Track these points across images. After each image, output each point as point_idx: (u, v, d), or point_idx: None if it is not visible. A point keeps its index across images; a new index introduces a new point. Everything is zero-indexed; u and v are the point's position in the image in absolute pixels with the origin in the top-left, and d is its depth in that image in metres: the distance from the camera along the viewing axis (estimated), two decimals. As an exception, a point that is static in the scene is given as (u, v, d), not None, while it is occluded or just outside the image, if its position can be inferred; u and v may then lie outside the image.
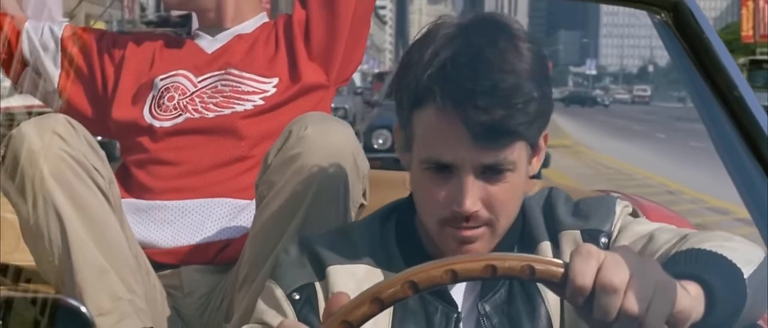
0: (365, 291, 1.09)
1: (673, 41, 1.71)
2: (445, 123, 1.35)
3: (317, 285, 1.43)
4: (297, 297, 1.42)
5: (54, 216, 1.83)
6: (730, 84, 1.66)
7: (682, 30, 1.70)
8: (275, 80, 2.22)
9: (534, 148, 1.43)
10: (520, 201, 1.46)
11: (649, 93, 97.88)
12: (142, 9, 31.47)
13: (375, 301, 1.08)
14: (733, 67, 1.68)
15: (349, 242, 1.47)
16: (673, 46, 1.71)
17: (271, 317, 1.41)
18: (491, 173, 1.38)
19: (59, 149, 1.82)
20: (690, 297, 1.18)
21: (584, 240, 1.44)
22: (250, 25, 2.34)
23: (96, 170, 1.87)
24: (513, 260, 1.09)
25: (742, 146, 1.63)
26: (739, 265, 1.29)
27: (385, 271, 1.44)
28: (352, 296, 1.37)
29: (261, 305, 1.44)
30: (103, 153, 1.92)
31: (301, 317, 1.40)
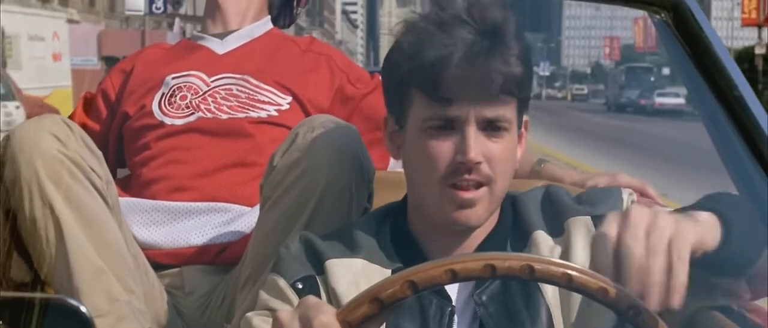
0: (365, 291, 1.05)
1: (672, 41, 1.64)
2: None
3: (318, 279, 1.38)
4: (300, 287, 1.37)
5: (51, 217, 1.74)
6: (730, 84, 1.61)
7: (682, 30, 1.64)
8: (289, 98, 2.12)
9: (520, 119, 1.40)
10: (512, 173, 1.41)
11: (585, 91, 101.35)
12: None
13: (374, 301, 1.04)
14: (733, 66, 1.61)
15: (346, 240, 1.42)
16: (673, 46, 1.64)
17: (277, 305, 1.35)
18: (491, 128, 1.35)
19: (55, 150, 1.74)
20: (701, 225, 1.14)
21: (595, 225, 1.38)
22: (260, 28, 2.25)
23: (93, 170, 1.79)
24: (513, 260, 1.05)
25: (742, 146, 1.56)
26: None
27: (382, 266, 1.39)
28: (350, 286, 1.35)
29: (264, 295, 1.39)
30: (100, 153, 1.84)
31: None
